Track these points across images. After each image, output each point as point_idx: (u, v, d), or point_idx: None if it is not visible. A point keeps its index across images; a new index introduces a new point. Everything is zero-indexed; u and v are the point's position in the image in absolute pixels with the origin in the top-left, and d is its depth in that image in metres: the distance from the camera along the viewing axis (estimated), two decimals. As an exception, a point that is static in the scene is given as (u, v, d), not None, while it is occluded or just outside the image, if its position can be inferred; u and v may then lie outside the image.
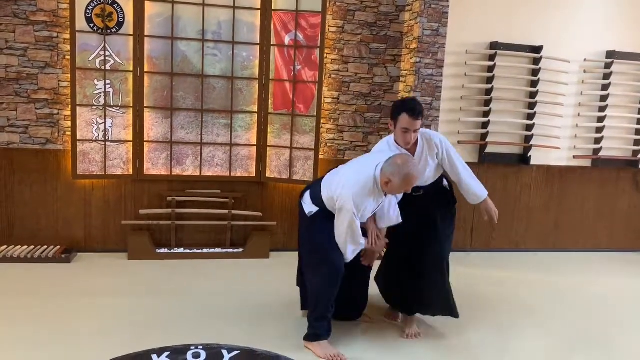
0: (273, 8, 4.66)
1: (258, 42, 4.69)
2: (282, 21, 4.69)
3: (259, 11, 4.65)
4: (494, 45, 5.05)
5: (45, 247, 4.51)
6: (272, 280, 4.24)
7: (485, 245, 5.36)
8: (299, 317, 3.49)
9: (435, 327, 3.50)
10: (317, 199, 3.12)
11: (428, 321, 3.56)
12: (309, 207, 3.15)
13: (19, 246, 4.48)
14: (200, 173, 4.74)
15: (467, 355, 3.14)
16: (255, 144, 4.82)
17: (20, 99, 4.41)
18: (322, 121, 4.85)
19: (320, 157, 4.87)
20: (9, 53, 4.35)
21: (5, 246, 4.46)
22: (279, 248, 4.92)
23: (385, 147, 3.22)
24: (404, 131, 3.07)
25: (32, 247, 4.50)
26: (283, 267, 4.51)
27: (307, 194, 3.20)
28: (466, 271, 4.71)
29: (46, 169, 4.52)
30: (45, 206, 4.55)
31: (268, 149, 4.84)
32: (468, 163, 5.08)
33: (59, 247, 4.52)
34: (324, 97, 4.87)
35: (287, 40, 4.71)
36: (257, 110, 4.77)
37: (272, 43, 4.71)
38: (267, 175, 4.86)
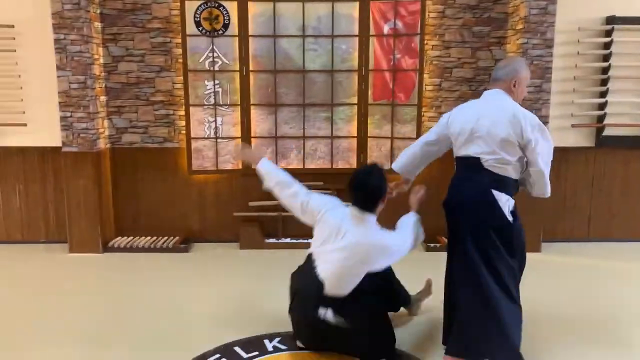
0: (371, -2, 4.66)
1: (357, 33, 4.71)
2: (381, 11, 4.67)
3: (357, 3, 4.66)
4: (611, 20, 4.66)
5: (166, 237, 4.87)
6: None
7: (604, 235, 5.00)
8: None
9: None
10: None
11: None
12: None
13: (143, 237, 4.88)
14: (304, 166, 4.86)
15: None
16: (356, 135, 4.85)
17: (140, 101, 4.79)
18: (423, 109, 4.78)
19: (423, 146, 4.80)
20: (129, 59, 4.73)
21: (131, 237, 4.88)
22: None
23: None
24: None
25: (155, 237, 4.88)
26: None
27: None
28: (585, 262, 4.44)
29: (165, 166, 4.87)
30: (165, 200, 4.91)
31: (369, 139, 4.86)
32: (584, 148, 4.84)
33: (177, 237, 4.87)
34: (425, 85, 4.78)
35: (386, 29, 4.68)
36: (357, 102, 4.81)
37: (371, 33, 4.70)
38: (369, 166, 4.87)
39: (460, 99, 4.84)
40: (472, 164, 2.66)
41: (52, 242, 4.86)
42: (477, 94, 4.81)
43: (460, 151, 2.75)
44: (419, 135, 4.71)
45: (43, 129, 4.71)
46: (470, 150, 2.67)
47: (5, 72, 4.61)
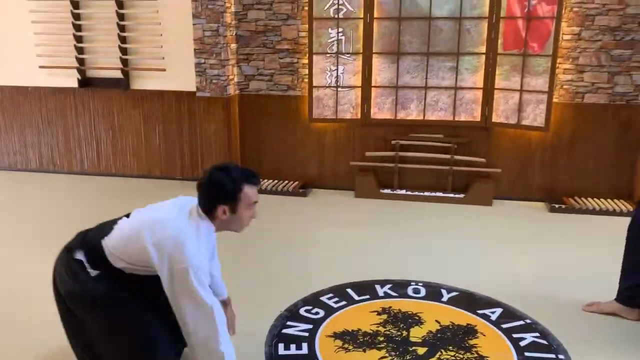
0: (508, -61, 4.32)
1: (490, -23, 4.42)
2: (518, -48, 4.33)
3: (492, -56, 4.36)
4: None
5: (287, 182, 5.10)
6: (494, 227, 4.16)
7: None
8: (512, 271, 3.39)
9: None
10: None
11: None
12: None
13: (266, 180, 5.16)
14: (424, 117, 4.78)
15: None
16: (482, 87, 4.64)
17: (267, 49, 4.95)
18: (558, 61, 4.42)
19: (555, 100, 4.49)
20: (258, 7, 4.88)
21: (255, 179, 5.17)
22: (503, 196, 4.75)
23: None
24: (251, 206, 2.17)
25: (276, 181, 5.13)
26: (507, 215, 4.40)
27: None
28: None
29: (287, 113, 5.04)
30: (286, 146, 5.12)
31: (495, 92, 4.63)
32: None
33: (297, 182, 5.08)
34: (563, 34, 4.41)
35: (522, -27, 4.35)
36: (485, 52, 4.57)
37: (505, -22, 4.40)
38: (493, 120, 4.67)
39: (602, 50, 4.41)
40: None
41: (186, 179, 5.30)
42: (623, 44, 4.37)
43: None
44: (551, 88, 4.40)
45: (180, 74, 5.06)
46: None
47: (148, 19, 4.98)
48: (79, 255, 2.11)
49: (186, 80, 5.03)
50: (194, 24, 4.70)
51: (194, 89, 4.90)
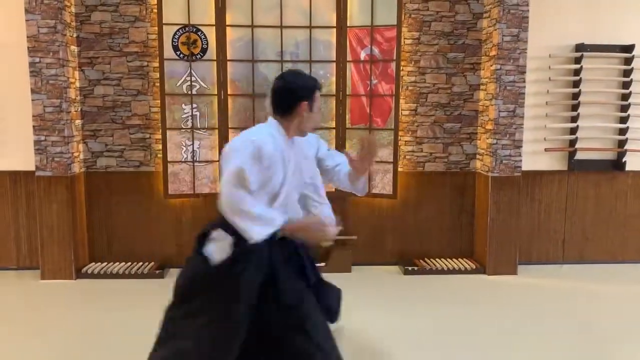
0: (348, 25, 4.72)
1: (334, 59, 4.77)
2: (358, 37, 4.74)
3: (335, 29, 4.73)
4: (580, 47, 4.82)
5: (141, 263, 4.79)
6: (354, 296, 4.25)
7: (578, 257, 5.08)
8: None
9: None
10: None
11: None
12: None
13: (118, 262, 4.79)
14: (282, 189, 4.85)
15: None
16: (335, 159, 4.87)
17: (116, 125, 4.75)
18: (400, 134, 4.83)
19: (400, 169, 4.85)
20: (105, 83, 4.70)
21: (106, 263, 4.79)
22: (361, 262, 4.91)
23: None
24: (319, 110, 2.44)
25: (130, 263, 4.79)
26: (364, 281, 4.55)
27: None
28: (559, 285, 4.51)
29: (140, 190, 4.81)
30: (140, 225, 4.84)
31: (347, 163, 4.88)
32: (557, 171, 4.95)
33: (153, 263, 4.79)
34: (402, 110, 4.85)
35: (362, 55, 4.75)
36: (334, 126, 4.84)
37: (348, 59, 4.77)
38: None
39: (436, 124, 4.92)
40: None
41: (23, 268, 4.73)
42: (452, 119, 4.91)
43: None
44: (396, 159, 4.76)
45: (16, 153, 4.63)
46: None
47: (-22, 95, 4.54)
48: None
49: (24, 158, 4.60)
50: (33, 100, 4.37)
51: (33, 168, 4.49)
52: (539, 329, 3.60)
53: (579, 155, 4.91)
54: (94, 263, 4.78)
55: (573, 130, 4.88)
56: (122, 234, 4.84)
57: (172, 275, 4.66)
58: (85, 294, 4.26)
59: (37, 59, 4.33)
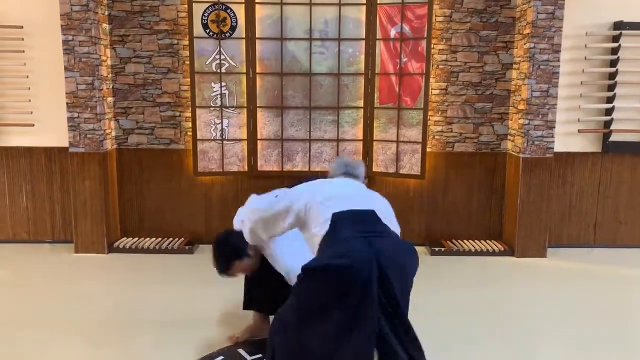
0: (378, 2, 4.65)
1: (364, 37, 4.71)
2: (388, 14, 4.67)
3: (365, 6, 4.67)
4: (618, 25, 4.65)
5: (171, 239, 4.88)
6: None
7: (610, 241, 4.98)
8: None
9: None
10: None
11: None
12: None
13: (148, 238, 4.89)
14: (309, 168, 4.86)
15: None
16: (362, 138, 4.86)
17: (147, 103, 4.81)
18: (429, 113, 4.77)
19: (428, 150, 4.80)
20: (136, 61, 4.75)
21: (137, 238, 4.90)
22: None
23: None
24: None
25: (160, 239, 4.89)
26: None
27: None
28: (590, 268, 4.44)
29: (170, 167, 4.88)
30: (170, 202, 4.92)
31: (374, 143, 4.86)
32: (590, 153, 4.83)
33: (182, 239, 4.88)
34: (432, 89, 4.78)
35: (392, 33, 4.68)
36: (362, 105, 4.81)
37: (377, 37, 4.71)
38: (374, 169, 4.88)
39: (466, 103, 4.84)
40: None
41: (57, 242, 4.87)
42: (483, 98, 4.82)
43: None
44: (425, 139, 4.71)
45: (50, 130, 4.74)
46: None
47: (14, 72, 4.64)
48: None
49: (58, 135, 4.71)
50: (66, 77, 4.45)
51: (67, 145, 4.59)
52: (566, 312, 3.55)
53: (614, 137, 4.78)
54: (125, 238, 4.89)
55: (608, 111, 4.74)
56: (152, 210, 4.94)
57: (202, 252, 4.76)
58: (117, 267, 4.37)
59: (70, 37, 4.39)
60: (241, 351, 2.94)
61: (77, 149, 4.55)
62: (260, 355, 2.88)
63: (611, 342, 3.14)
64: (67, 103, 4.49)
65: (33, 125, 4.70)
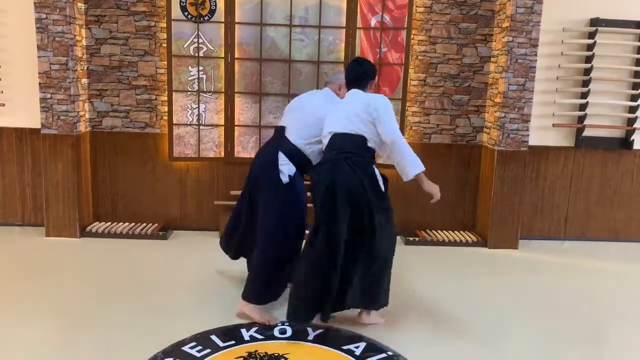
0: (359, -10, 4.64)
1: (344, 25, 4.69)
2: (369, 3, 4.66)
3: (346, -6, 4.64)
4: (595, 22, 4.72)
5: (145, 224, 4.83)
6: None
7: (580, 234, 5.09)
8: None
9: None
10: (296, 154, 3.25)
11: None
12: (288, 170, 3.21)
13: (122, 223, 4.83)
14: (287, 156, 4.84)
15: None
16: (341, 127, 4.84)
17: (122, 85, 4.72)
18: (407, 104, 4.79)
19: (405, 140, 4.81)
20: (112, 42, 4.65)
21: (110, 222, 4.83)
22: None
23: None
24: None
25: (133, 224, 4.83)
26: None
27: (282, 156, 3.22)
28: (560, 260, 4.53)
29: (145, 151, 4.82)
30: (144, 186, 4.86)
31: (353, 132, 4.85)
32: (563, 147, 4.91)
33: (156, 224, 4.83)
34: (410, 80, 4.79)
35: (373, 22, 4.68)
36: (342, 94, 4.79)
37: (358, 26, 4.69)
38: (352, 158, 4.87)
39: (444, 95, 4.87)
40: None
41: (28, 225, 4.78)
42: (461, 90, 4.86)
43: None
44: (402, 129, 4.73)
45: (22, 110, 4.62)
46: None
47: (-16, 50, 4.51)
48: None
49: (30, 116, 4.61)
50: (39, 57, 4.34)
51: (39, 126, 4.49)
52: (536, 303, 3.63)
53: (587, 132, 4.86)
54: (98, 222, 4.82)
55: (582, 107, 4.82)
56: (126, 194, 4.87)
57: (175, 237, 4.71)
58: (89, 252, 4.31)
59: (44, 15, 4.28)
60: (214, 337, 2.93)
61: (49, 131, 4.45)
62: (233, 342, 2.88)
63: (580, 333, 3.22)
64: (39, 83, 4.38)
65: (4, 105, 4.58)
